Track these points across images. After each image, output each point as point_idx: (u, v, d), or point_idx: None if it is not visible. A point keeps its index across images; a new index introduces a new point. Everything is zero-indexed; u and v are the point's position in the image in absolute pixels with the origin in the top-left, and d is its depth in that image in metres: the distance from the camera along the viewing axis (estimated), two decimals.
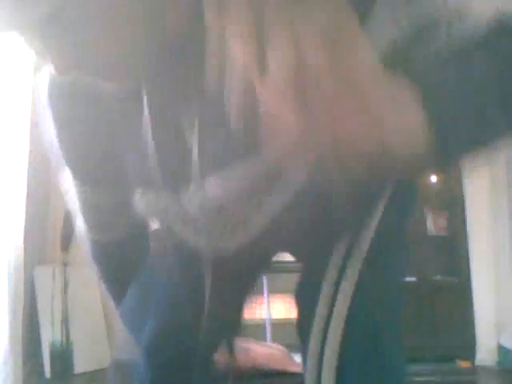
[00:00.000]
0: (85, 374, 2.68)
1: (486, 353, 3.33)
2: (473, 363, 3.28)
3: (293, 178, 0.65)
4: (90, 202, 0.84)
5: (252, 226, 0.72)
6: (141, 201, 0.74)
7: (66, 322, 2.66)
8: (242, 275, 0.88)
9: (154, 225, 0.88)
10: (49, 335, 2.64)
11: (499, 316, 3.40)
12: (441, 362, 3.18)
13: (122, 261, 0.92)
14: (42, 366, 2.62)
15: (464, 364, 3.23)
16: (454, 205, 3.56)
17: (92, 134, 0.73)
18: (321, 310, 0.74)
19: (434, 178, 3.58)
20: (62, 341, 2.64)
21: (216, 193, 0.66)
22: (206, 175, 0.65)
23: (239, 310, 0.95)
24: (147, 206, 0.74)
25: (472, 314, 3.40)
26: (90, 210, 0.85)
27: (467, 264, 3.47)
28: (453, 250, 3.55)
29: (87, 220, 0.87)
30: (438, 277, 3.50)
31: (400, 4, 0.54)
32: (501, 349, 3.32)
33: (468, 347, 3.33)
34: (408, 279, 3.38)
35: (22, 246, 2.40)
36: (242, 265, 0.83)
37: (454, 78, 0.54)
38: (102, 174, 0.79)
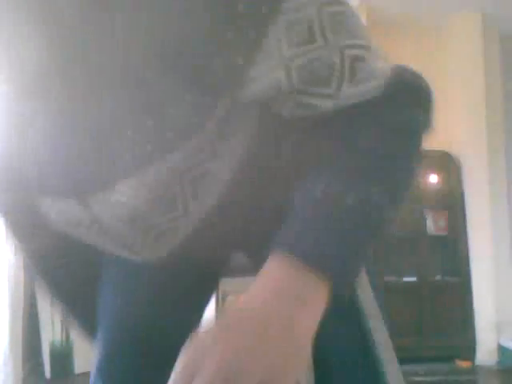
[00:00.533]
0: (85, 374, 2.68)
1: (486, 353, 3.33)
2: (473, 363, 3.29)
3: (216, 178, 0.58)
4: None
5: (180, 231, 0.64)
6: (55, 217, 0.64)
7: (66, 322, 2.65)
8: (194, 280, 0.82)
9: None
10: (49, 335, 2.64)
11: (499, 316, 3.40)
12: (441, 362, 3.18)
13: (58, 271, 0.84)
14: (42, 365, 2.62)
15: (464, 364, 3.24)
16: (453, 205, 3.56)
17: None
18: None
19: (434, 178, 3.59)
20: (61, 341, 2.64)
21: (129, 199, 0.57)
22: (117, 179, 0.55)
23: (197, 316, 0.91)
24: (64, 218, 0.64)
25: (472, 314, 3.40)
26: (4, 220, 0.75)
27: (467, 264, 3.47)
28: (453, 250, 3.55)
29: (9, 232, 0.77)
30: (438, 277, 3.50)
31: (292, 45, 0.49)
32: (501, 349, 3.32)
33: (468, 347, 3.33)
34: (408, 279, 3.39)
35: None
36: (191, 269, 0.78)
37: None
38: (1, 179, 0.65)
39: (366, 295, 0.72)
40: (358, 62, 0.52)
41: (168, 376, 0.65)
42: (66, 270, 0.83)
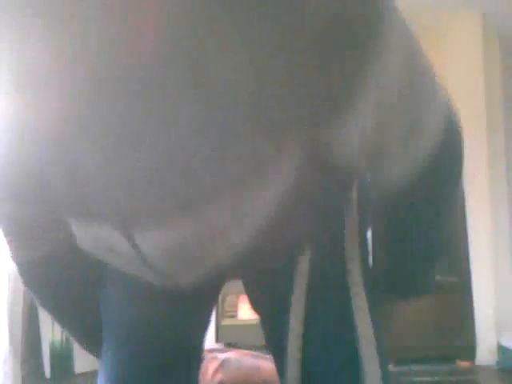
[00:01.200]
0: (85, 374, 2.68)
1: (486, 353, 3.33)
2: (473, 363, 3.28)
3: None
4: (13, 218, 0.72)
5: (219, 259, 0.66)
6: (84, 236, 0.66)
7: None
8: (204, 290, 0.81)
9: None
10: (49, 335, 2.64)
11: (499, 316, 3.40)
12: (441, 362, 3.18)
13: (56, 280, 0.82)
14: (42, 365, 2.62)
15: (464, 364, 3.23)
16: None
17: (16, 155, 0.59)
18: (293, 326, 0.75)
19: None
20: (61, 341, 2.65)
21: (179, 234, 0.59)
22: (173, 217, 0.56)
23: (206, 322, 0.92)
24: (94, 241, 0.65)
25: (472, 314, 3.40)
26: (14, 226, 0.74)
27: (467, 264, 3.47)
28: (453, 250, 3.55)
29: (12, 238, 0.76)
30: (438, 277, 3.50)
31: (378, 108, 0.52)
32: (501, 349, 3.32)
33: (468, 347, 3.33)
34: None
35: None
36: (194, 293, 0.77)
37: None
38: (26, 191, 0.65)
39: (365, 320, 0.74)
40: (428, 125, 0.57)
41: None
42: (65, 279, 0.83)
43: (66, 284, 0.83)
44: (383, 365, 0.74)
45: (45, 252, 0.77)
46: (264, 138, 0.50)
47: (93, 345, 0.90)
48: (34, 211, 0.70)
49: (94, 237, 0.64)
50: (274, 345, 0.84)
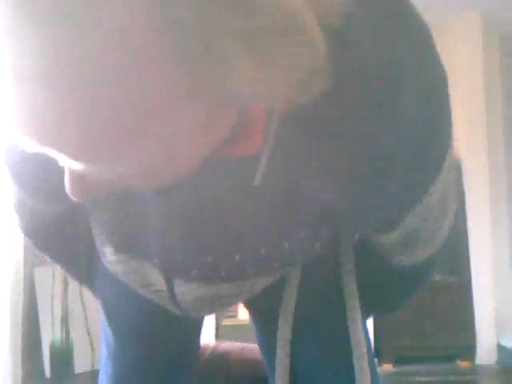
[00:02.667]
0: (85, 373, 2.68)
1: (486, 353, 3.33)
2: (473, 363, 3.28)
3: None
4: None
5: (235, 300, 0.72)
6: (117, 266, 0.68)
7: (65, 322, 2.65)
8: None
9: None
10: (49, 335, 2.64)
11: (499, 316, 3.40)
12: (441, 362, 3.18)
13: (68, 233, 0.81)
14: (42, 365, 2.62)
15: (464, 364, 3.23)
16: None
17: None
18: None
19: None
20: (61, 341, 2.65)
21: (216, 289, 0.65)
22: (221, 281, 0.63)
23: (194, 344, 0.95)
24: (128, 272, 0.68)
25: (472, 314, 3.39)
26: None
27: (467, 264, 3.47)
28: (453, 250, 3.55)
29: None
30: (438, 277, 3.50)
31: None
32: (501, 349, 3.32)
33: (468, 347, 3.33)
34: None
35: (22, 246, 2.40)
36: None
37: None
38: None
39: (357, 329, 0.76)
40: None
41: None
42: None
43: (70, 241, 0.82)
44: (373, 373, 0.76)
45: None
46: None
47: (88, 281, 0.91)
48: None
49: (131, 269, 0.67)
50: (264, 344, 0.86)
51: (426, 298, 3.38)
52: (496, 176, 3.57)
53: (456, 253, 3.53)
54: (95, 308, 2.86)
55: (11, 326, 2.29)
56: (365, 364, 0.74)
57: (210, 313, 0.77)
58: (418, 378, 2.88)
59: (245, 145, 0.45)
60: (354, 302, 0.76)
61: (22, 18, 0.29)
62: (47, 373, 2.62)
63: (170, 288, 0.66)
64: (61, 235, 0.79)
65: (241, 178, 0.52)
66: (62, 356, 2.65)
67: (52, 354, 2.63)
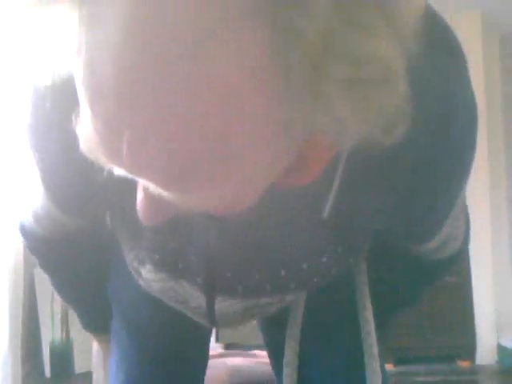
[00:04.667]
0: (85, 374, 2.68)
1: (486, 353, 3.33)
2: (473, 363, 3.29)
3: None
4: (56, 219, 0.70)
5: (268, 311, 0.74)
6: (155, 283, 0.70)
7: (65, 321, 2.65)
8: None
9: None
10: (49, 335, 2.64)
11: (499, 316, 3.40)
12: (441, 362, 3.18)
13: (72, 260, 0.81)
14: (42, 365, 2.62)
15: (464, 364, 3.24)
16: None
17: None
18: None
19: None
20: (62, 341, 2.65)
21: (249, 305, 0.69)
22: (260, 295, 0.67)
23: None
24: (166, 290, 0.70)
25: (472, 314, 3.40)
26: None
27: (467, 264, 3.47)
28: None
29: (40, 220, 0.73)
30: None
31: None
32: (501, 349, 3.32)
33: (468, 347, 3.33)
34: None
35: (22, 246, 2.40)
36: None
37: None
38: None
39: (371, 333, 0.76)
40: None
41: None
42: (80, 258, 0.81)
43: (79, 264, 0.82)
44: (384, 376, 0.76)
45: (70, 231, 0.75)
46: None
47: (97, 327, 0.92)
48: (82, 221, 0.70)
49: (168, 286, 0.68)
50: (272, 346, 0.86)
51: (425, 297, 3.38)
52: (496, 176, 3.57)
53: None
54: None
55: (11, 326, 2.29)
56: (377, 365, 0.74)
57: (239, 324, 0.77)
58: (417, 378, 2.89)
59: (301, 175, 0.45)
60: (366, 303, 0.76)
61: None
62: (47, 373, 2.62)
63: (211, 305, 0.68)
64: (77, 247, 0.78)
65: (306, 207, 0.56)
66: (62, 356, 2.65)
67: (52, 354, 2.63)
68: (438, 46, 0.52)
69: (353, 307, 0.77)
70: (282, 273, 0.63)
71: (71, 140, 0.46)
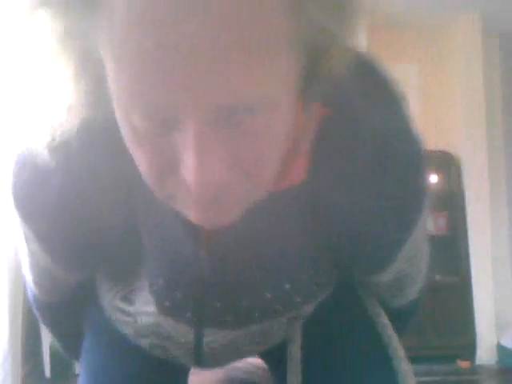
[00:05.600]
0: None
1: (485, 353, 3.33)
2: (473, 363, 3.29)
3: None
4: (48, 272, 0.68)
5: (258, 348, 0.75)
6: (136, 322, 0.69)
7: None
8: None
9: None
10: (49, 335, 2.64)
11: (499, 316, 3.40)
12: (441, 362, 3.18)
13: (66, 318, 0.82)
14: (41, 365, 2.62)
15: (464, 364, 3.24)
16: (453, 205, 3.56)
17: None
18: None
19: (434, 178, 3.59)
20: None
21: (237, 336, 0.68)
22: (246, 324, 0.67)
23: None
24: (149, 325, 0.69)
25: (472, 314, 3.40)
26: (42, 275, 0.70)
27: (467, 264, 3.47)
28: (453, 250, 3.55)
29: (35, 279, 0.72)
30: (438, 277, 3.50)
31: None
32: (501, 349, 3.32)
33: (468, 347, 3.33)
34: None
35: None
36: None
37: None
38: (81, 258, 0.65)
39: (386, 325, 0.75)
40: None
41: None
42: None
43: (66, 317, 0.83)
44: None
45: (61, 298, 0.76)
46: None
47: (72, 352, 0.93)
48: (75, 272, 0.69)
49: (153, 322, 0.67)
50: (271, 359, 0.84)
51: (426, 297, 3.37)
52: (496, 176, 3.57)
53: (456, 253, 3.54)
54: None
55: (11, 326, 2.29)
56: (406, 367, 0.76)
57: (224, 363, 0.77)
58: (418, 378, 2.88)
59: (290, 176, 0.55)
60: (377, 309, 0.76)
61: None
62: (47, 373, 2.62)
63: (198, 339, 0.67)
64: (75, 306, 0.79)
65: (293, 220, 0.59)
66: (62, 356, 2.65)
67: (52, 354, 2.63)
68: (375, 97, 0.56)
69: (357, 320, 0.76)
70: (268, 295, 0.63)
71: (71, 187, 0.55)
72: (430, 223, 3.55)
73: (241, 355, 0.76)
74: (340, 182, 0.56)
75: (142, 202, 0.58)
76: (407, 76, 3.76)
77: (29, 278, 0.71)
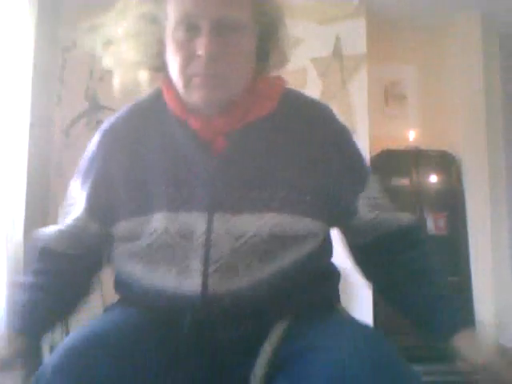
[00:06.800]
0: None
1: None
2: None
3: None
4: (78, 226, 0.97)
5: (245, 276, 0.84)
6: (168, 224, 0.87)
7: (65, 322, 2.65)
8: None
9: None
10: (49, 335, 2.64)
11: (499, 316, 3.40)
12: (441, 362, 3.18)
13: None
14: None
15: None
16: (453, 205, 3.56)
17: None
18: None
19: (434, 178, 3.59)
20: (61, 341, 2.64)
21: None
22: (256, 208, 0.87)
23: None
24: (175, 228, 0.86)
25: (472, 314, 3.39)
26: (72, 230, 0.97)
27: (467, 264, 3.47)
28: (453, 250, 3.55)
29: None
30: None
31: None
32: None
33: None
34: None
35: (22, 245, 2.40)
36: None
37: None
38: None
39: None
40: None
41: None
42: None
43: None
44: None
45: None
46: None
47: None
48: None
49: (180, 223, 0.86)
50: None
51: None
52: (496, 176, 3.57)
53: (456, 253, 3.53)
54: (95, 308, 2.86)
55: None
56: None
57: (232, 260, 0.86)
58: None
59: (263, 106, 0.90)
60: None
61: None
62: None
63: (209, 224, 0.85)
64: (89, 262, 1.02)
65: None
66: None
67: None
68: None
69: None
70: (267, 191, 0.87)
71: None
72: (430, 223, 3.55)
73: (243, 250, 0.85)
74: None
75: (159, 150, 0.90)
76: (407, 76, 3.76)
77: (59, 234, 0.97)
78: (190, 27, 0.85)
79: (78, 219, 0.95)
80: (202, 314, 0.83)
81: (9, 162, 2.36)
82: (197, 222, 0.85)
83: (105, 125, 0.98)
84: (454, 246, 3.54)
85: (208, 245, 0.84)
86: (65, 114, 3.11)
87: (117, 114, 0.98)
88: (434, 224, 3.54)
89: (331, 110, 0.98)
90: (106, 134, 0.96)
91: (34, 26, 2.57)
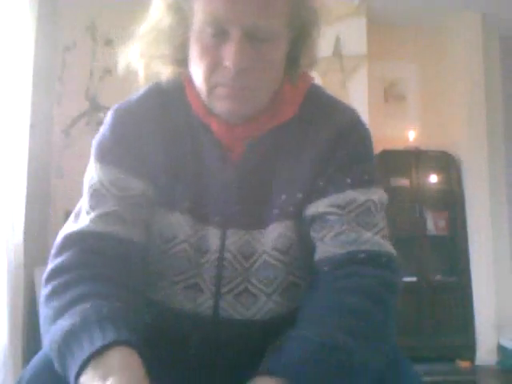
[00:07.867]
0: None
1: (485, 353, 3.33)
2: (473, 363, 3.28)
3: None
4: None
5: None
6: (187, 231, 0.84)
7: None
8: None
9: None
10: None
11: (499, 316, 3.40)
12: (441, 362, 3.18)
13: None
14: None
15: (464, 364, 3.23)
16: (453, 205, 3.56)
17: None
18: None
19: (434, 178, 3.59)
20: None
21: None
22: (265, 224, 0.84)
23: None
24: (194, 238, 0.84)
25: (472, 314, 3.40)
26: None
27: (467, 264, 3.47)
28: (453, 250, 3.55)
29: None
30: (438, 277, 3.50)
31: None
32: (501, 349, 3.32)
33: (468, 347, 3.33)
34: (408, 279, 3.39)
35: (22, 245, 2.40)
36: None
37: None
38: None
39: None
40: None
41: None
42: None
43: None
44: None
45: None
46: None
47: None
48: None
49: (199, 236, 0.83)
50: None
51: (426, 298, 3.38)
52: (496, 176, 3.57)
53: (456, 253, 3.54)
54: None
55: (11, 326, 2.29)
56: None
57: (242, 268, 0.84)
58: None
59: (286, 112, 0.85)
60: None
61: None
62: None
63: (223, 239, 0.83)
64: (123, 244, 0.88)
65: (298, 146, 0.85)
66: None
67: None
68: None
69: None
70: (283, 197, 0.83)
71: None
72: (430, 223, 3.55)
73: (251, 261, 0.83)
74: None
75: (184, 149, 0.85)
76: (407, 75, 3.77)
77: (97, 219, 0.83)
78: (218, 32, 0.75)
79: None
80: (211, 336, 0.81)
81: (9, 162, 2.36)
82: (212, 237, 0.82)
83: (131, 108, 0.87)
84: (454, 246, 3.54)
85: (221, 264, 0.82)
86: (65, 114, 3.11)
87: (144, 100, 0.88)
88: (434, 224, 3.55)
89: (356, 115, 0.88)
90: (139, 115, 0.86)
91: (34, 26, 2.57)
